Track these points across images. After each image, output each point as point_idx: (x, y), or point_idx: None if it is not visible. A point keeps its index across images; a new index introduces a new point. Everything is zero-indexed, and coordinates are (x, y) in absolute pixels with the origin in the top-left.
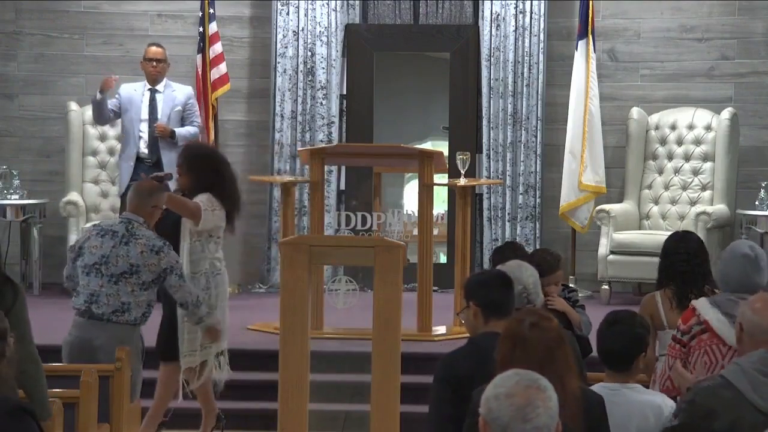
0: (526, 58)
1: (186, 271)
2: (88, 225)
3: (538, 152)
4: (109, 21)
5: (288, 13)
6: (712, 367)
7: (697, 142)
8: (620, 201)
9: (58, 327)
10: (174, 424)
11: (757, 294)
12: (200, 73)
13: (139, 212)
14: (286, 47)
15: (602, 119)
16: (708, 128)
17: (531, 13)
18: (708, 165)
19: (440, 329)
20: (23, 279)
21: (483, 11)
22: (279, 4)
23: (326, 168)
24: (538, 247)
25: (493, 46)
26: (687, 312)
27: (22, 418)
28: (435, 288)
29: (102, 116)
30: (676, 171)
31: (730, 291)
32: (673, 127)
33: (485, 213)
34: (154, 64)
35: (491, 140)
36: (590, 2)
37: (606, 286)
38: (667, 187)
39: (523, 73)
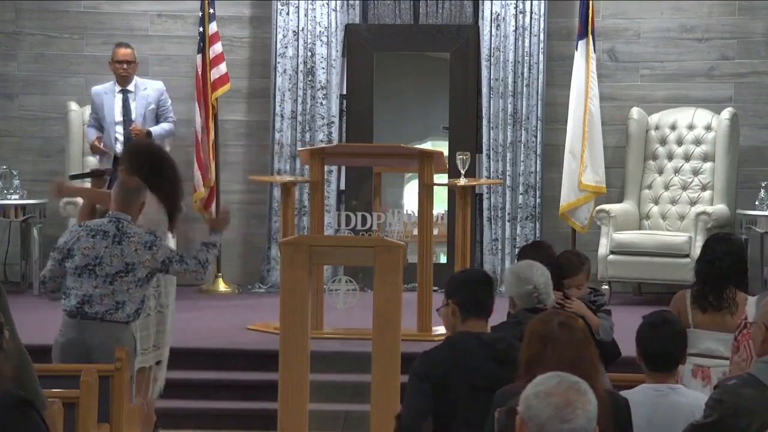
0: (526, 58)
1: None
2: (74, 225)
3: (538, 152)
4: (109, 21)
5: (288, 13)
6: (748, 362)
7: (697, 142)
8: (620, 201)
9: (57, 327)
10: (171, 423)
11: None
12: (200, 73)
13: (127, 210)
14: (286, 47)
15: (602, 119)
16: (708, 128)
17: (531, 13)
18: (708, 165)
19: (440, 329)
20: (23, 279)
21: (483, 11)
22: (279, 4)
23: (326, 168)
24: None
25: (493, 46)
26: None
27: (28, 411)
28: (435, 288)
29: (108, 147)
30: (676, 171)
31: None
32: (673, 127)
33: (485, 213)
34: (125, 66)
35: (491, 140)
36: (590, 2)
37: (606, 286)
38: (667, 187)
39: (523, 73)
